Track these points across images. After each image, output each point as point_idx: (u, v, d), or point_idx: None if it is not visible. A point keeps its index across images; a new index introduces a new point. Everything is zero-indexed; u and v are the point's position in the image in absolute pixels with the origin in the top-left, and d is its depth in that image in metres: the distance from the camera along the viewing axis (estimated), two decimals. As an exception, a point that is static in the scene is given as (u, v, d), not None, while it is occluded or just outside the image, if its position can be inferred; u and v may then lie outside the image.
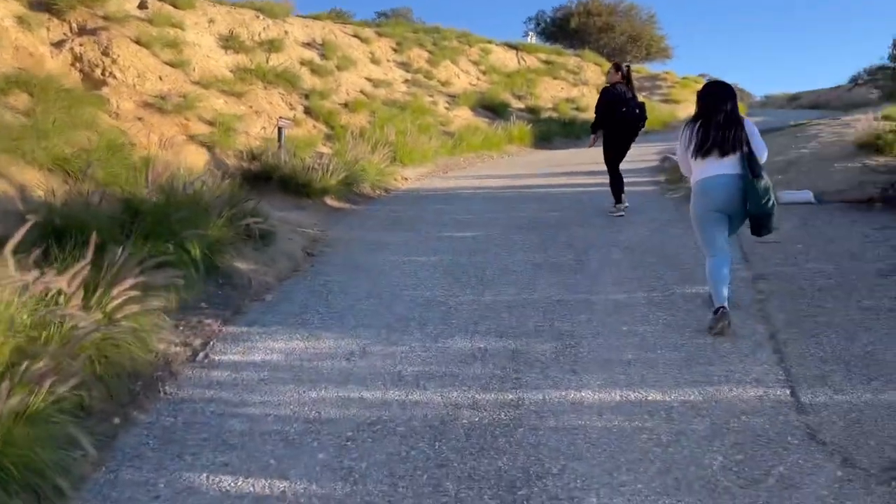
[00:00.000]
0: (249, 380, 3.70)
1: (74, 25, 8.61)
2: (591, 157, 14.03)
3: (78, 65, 8.12)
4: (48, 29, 8.31)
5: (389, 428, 3.18)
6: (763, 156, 4.12)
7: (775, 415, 3.12)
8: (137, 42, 8.86)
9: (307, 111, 11.50)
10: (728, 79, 24.91)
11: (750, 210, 4.03)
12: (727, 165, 4.04)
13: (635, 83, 8.07)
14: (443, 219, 7.58)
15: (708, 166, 4.09)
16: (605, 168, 7.62)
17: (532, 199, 8.67)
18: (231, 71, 11.06)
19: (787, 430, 2.99)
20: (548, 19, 31.39)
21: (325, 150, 10.33)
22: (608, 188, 7.57)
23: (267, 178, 8.12)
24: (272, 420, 3.29)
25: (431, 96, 16.00)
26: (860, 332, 3.92)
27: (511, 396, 3.43)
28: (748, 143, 4.05)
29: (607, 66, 24.79)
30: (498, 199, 8.73)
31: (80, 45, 8.25)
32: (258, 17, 13.38)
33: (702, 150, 4.07)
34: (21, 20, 7.06)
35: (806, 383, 3.38)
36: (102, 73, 8.14)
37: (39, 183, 4.98)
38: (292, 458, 2.95)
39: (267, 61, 12.21)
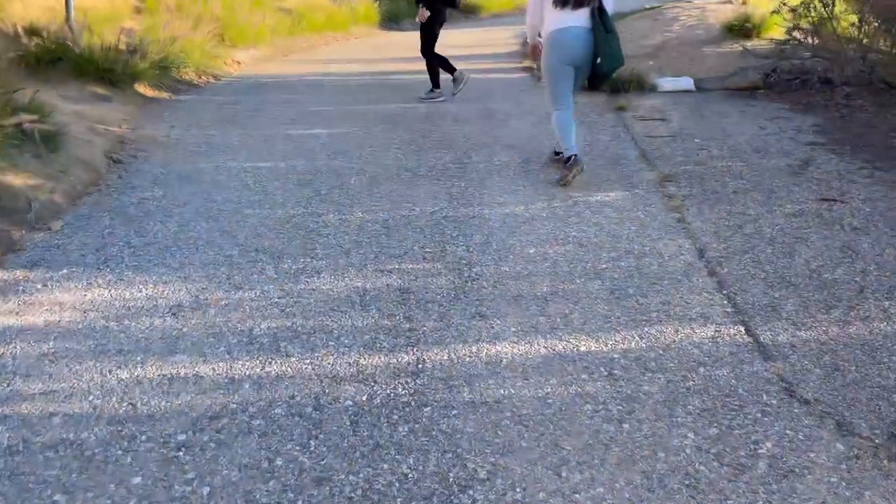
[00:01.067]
0: (24, 356, 2.54)
1: None
2: (455, 41, 12.96)
3: None
4: None
5: (241, 423, 2.22)
6: (612, 9, 4.17)
7: (738, 363, 2.51)
8: None
9: (107, -24, 9.31)
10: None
11: (602, 66, 4.11)
12: (579, 18, 4.08)
13: None
14: (289, 112, 6.32)
15: (563, 17, 4.10)
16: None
17: (391, 87, 7.56)
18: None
19: (759, 384, 2.40)
20: None
21: (133, 25, 8.41)
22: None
23: (55, 61, 6.32)
24: (59, 424, 2.20)
25: (263, -34, 13.86)
26: (796, 244, 3.42)
27: (407, 358, 2.56)
28: None
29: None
30: (352, 89, 7.52)
31: None
32: None
33: (560, 1, 4.07)
34: None
35: (759, 317, 2.81)
36: None
37: None
38: (90, 488, 1.93)
39: None
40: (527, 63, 9.13)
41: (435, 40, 6.75)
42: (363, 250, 3.43)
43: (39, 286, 3.04)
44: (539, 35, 4.40)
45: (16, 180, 3.88)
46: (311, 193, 4.20)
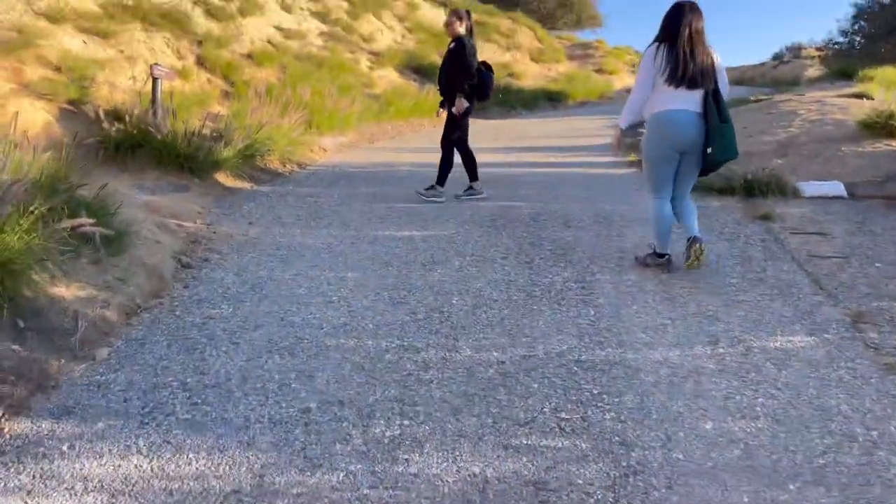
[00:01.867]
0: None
1: None
2: (541, 130, 12.45)
3: None
4: None
5: None
6: (727, 94, 3.92)
7: None
8: (-50, -50, 6.40)
9: (200, 61, 9.25)
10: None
11: (714, 156, 3.80)
12: (692, 101, 3.80)
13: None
14: (377, 208, 5.71)
15: (674, 97, 3.80)
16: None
17: (486, 182, 6.91)
18: (100, 7, 8.65)
19: None
20: (476, -22, 29.34)
21: (221, 110, 8.17)
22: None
23: (136, 147, 5.97)
24: None
25: (352, 52, 13.89)
26: None
27: None
28: (716, 80, 3.82)
29: (541, 31, 23.30)
30: (450, 180, 6.91)
31: None
32: (140, -58, 10.82)
33: (676, 78, 3.75)
34: None
35: None
36: None
37: None
38: None
39: (150, -2, 9.79)
40: (633, 157, 8.38)
41: (467, 132, 6.11)
42: (476, 410, 2.61)
43: (65, 448, 2.34)
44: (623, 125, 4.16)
45: (66, 292, 3.30)
46: (405, 317, 3.45)
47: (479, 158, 6.24)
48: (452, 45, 5.93)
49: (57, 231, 3.23)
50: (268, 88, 8.79)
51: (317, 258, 4.38)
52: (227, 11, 11.20)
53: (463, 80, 5.77)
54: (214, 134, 6.50)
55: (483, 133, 11.59)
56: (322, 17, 14.66)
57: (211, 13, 10.76)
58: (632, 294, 3.77)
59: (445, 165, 6.09)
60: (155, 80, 6.31)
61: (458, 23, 5.91)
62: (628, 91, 4.84)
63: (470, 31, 5.98)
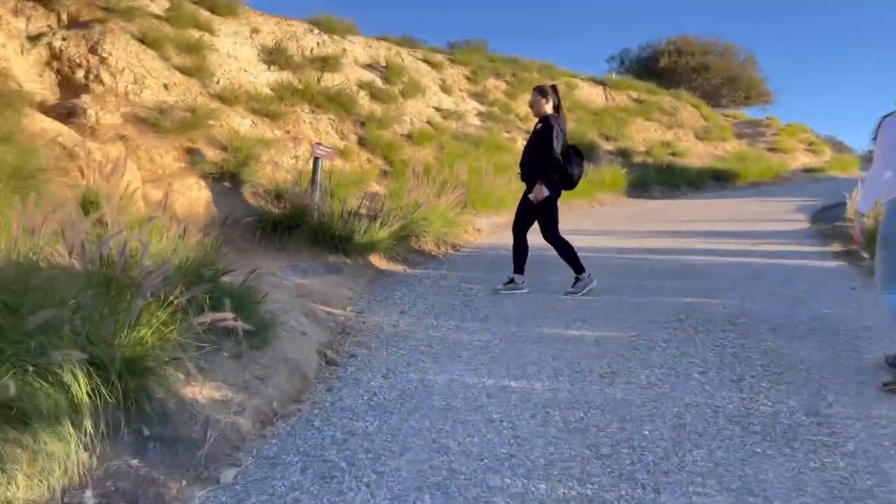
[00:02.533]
0: None
1: (64, 17, 6.63)
2: (713, 212, 11.39)
3: (55, 64, 6.08)
4: (29, 19, 6.34)
5: None
6: None
7: None
8: (142, 40, 6.81)
9: (361, 142, 9.31)
10: (828, 131, 21.96)
11: None
12: None
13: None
14: (537, 300, 5.09)
15: None
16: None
17: (665, 270, 6.11)
18: (272, 89, 9.00)
19: None
20: (633, 58, 28.96)
21: (378, 189, 8.05)
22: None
23: (295, 226, 5.83)
24: None
25: (509, 132, 13.70)
26: None
27: None
28: None
29: (706, 108, 22.16)
30: (614, 270, 6.18)
31: (63, 39, 6.23)
32: (312, 30, 11.40)
33: None
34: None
35: None
36: (86, 76, 6.07)
37: None
38: None
39: (318, 81, 10.15)
40: (837, 247, 7.19)
41: (556, 221, 5.36)
42: None
43: None
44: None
45: (200, 393, 2.93)
46: (585, 450, 2.74)
47: (645, 242, 5.49)
48: (539, 125, 5.30)
49: (196, 325, 2.88)
50: (425, 168, 8.61)
51: (474, 359, 3.80)
52: (391, 94, 11.39)
53: (547, 165, 5.10)
54: (371, 214, 6.27)
55: (658, 214, 10.74)
56: (480, 97, 14.71)
57: (375, 95, 10.97)
58: (892, 438, 2.81)
59: (520, 253, 5.41)
60: (316, 159, 6.21)
61: (543, 101, 5.28)
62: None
63: (557, 108, 5.32)
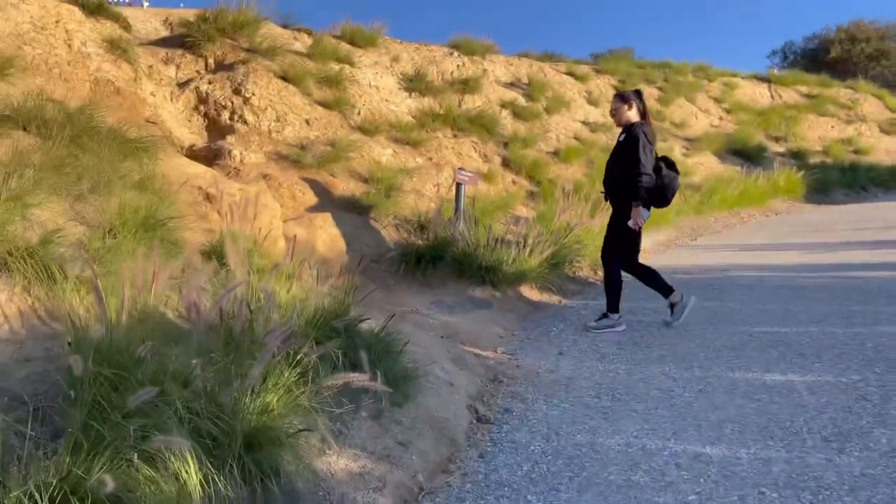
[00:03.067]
0: None
1: (211, 62, 6.77)
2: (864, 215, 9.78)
3: (202, 108, 6.18)
4: (178, 66, 6.53)
5: None
6: None
7: None
8: (283, 77, 6.81)
9: (505, 163, 8.86)
10: None
11: None
12: None
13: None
14: (724, 332, 4.30)
15: None
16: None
17: (878, 292, 5.06)
18: (413, 116, 8.82)
19: None
20: (798, 51, 26.46)
21: (525, 212, 7.54)
22: None
23: (438, 258, 5.45)
24: None
25: (664, 140, 12.67)
26: None
27: None
28: None
29: (891, 98, 19.57)
30: (810, 293, 5.20)
31: (209, 82, 6.33)
32: (452, 54, 11.19)
33: None
34: (112, 46, 5.18)
35: None
36: (230, 117, 6.11)
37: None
38: None
39: (459, 105, 9.88)
40: None
41: (638, 246, 4.59)
42: None
43: None
44: None
45: (334, 464, 2.53)
46: (827, 556, 2.02)
47: (841, 256, 4.55)
48: (623, 136, 4.49)
49: (328, 387, 2.50)
50: (575, 186, 7.98)
51: (652, 415, 3.14)
52: (534, 111, 10.90)
53: (636, 181, 4.27)
54: (519, 240, 5.76)
55: (845, 221, 9.34)
56: (629, 106, 13.80)
57: (517, 114, 10.53)
58: None
59: (613, 286, 4.61)
60: (458, 185, 5.82)
61: (625, 107, 4.53)
62: None
63: (644, 116, 4.54)
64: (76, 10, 5.05)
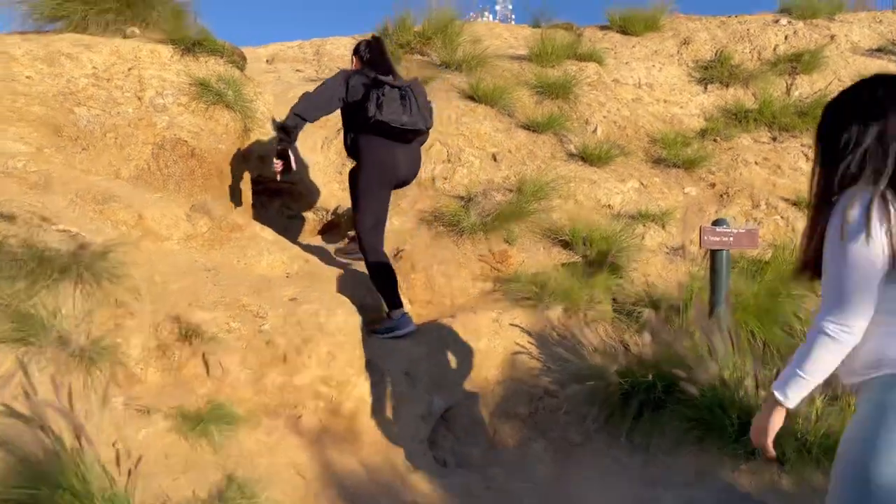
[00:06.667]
0: None
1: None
2: None
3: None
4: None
5: None
6: None
7: None
8: (471, 97, 4.86)
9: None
10: None
11: None
12: None
13: None
14: None
15: None
16: None
17: None
18: (707, 118, 6.19)
19: None
20: None
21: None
22: None
23: (665, 395, 2.94)
24: None
25: None
26: None
27: None
28: None
29: None
30: None
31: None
32: (777, 21, 7.98)
33: None
34: (203, 90, 3.83)
35: None
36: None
37: None
38: None
39: (788, 91, 6.85)
40: None
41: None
42: None
43: None
44: None
45: None
46: None
47: None
48: None
49: None
50: None
51: None
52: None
53: None
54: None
55: None
56: None
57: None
58: None
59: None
60: (714, 253, 3.19)
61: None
62: None
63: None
64: (163, 49, 3.87)
